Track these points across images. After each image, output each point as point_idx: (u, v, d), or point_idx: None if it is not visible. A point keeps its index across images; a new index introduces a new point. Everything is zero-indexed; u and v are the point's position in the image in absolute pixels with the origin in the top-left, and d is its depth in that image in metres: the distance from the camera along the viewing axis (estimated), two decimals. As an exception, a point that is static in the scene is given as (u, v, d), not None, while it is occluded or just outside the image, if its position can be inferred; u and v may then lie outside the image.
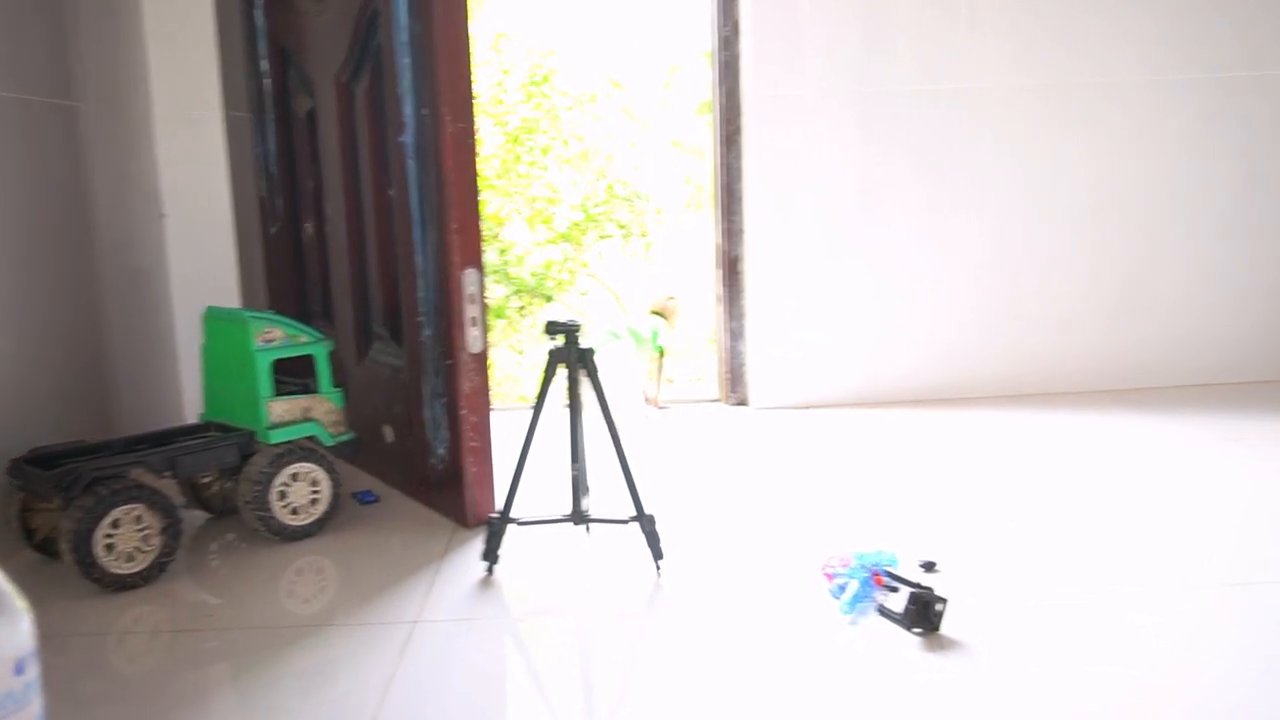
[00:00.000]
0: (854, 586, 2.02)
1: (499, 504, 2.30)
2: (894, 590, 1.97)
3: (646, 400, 3.67)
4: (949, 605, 1.93)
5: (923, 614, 1.91)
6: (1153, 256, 3.63)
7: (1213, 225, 3.63)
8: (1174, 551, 2.26)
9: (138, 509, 2.26)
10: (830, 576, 2.11)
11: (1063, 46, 3.49)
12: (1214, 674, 1.75)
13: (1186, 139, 3.57)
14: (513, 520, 2.27)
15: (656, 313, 3.71)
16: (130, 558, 2.25)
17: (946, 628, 1.92)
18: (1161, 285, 3.66)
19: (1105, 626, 1.93)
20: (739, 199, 3.60)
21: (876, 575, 2.03)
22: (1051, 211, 3.58)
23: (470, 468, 2.53)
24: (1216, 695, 1.68)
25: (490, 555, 2.27)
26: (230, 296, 3.27)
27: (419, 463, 2.70)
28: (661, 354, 3.68)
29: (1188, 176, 3.60)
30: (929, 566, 2.19)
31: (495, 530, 2.26)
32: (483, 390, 2.52)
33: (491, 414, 2.56)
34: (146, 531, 2.27)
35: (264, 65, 3.22)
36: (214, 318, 2.65)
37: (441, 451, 2.59)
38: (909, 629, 1.91)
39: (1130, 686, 1.72)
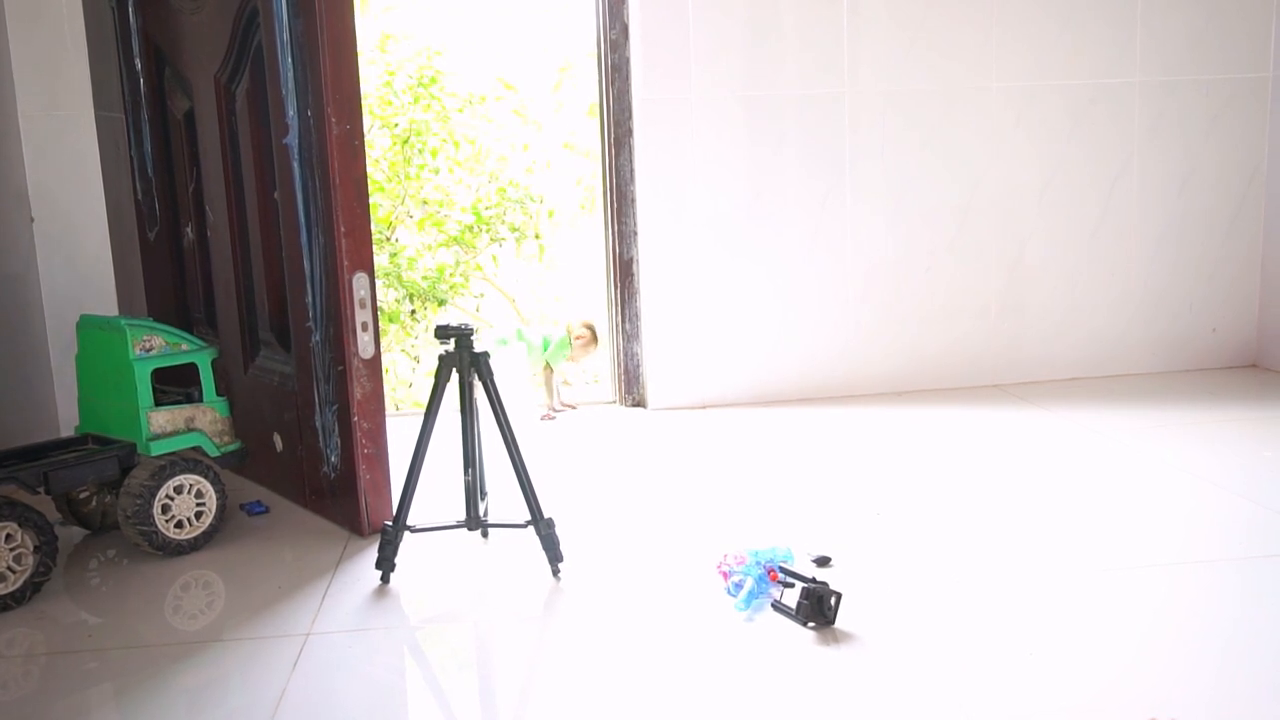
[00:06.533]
0: (749, 584, 2.05)
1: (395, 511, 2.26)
2: (789, 586, 2.01)
3: (540, 407, 3.66)
4: (843, 599, 1.97)
5: (817, 609, 1.94)
6: (1028, 256, 3.77)
7: (1084, 225, 3.78)
8: (1055, 540, 2.35)
9: (8, 527, 2.16)
10: (726, 575, 2.13)
11: (940, 53, 3.60)
12: (1100, 657, 1.82)
13: (1058, 142, 3.71)
14: (408, 528, 2.24)
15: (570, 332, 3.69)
16: (1, 578, 2.15)
17: (841, 621, 1.96)
18: (1037, 283, 3.80)
19: (995, 616, 2.00)
20: (631, 201, 3.61)
21: (771, 571, 2.06)
22: (933, 212, 3.69)
23: (364, 475, 2.49)
24: (1106, 679, 1.76)
25: (385, 564, 2.23)
26: (107, 304, 3.15)
27: (311, 471, 2.64)
28: (548, 366, 3.66)
29: (1058, 178, 3.74)
30: (823, 562, 2.23)
31: (390, 538, 2.23)
32: (376, 396, 2.48)
33: (386, 420, 2.53)
34: (18, 550, 2.17)
35: (138, 64, 3.11)
36: (89, 326, 2.55)
37: (334, 459, 2.54)
38: (804, 624, 1.95)
39: (1020, 673, 1.78)
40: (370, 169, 5.95)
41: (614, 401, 3.81)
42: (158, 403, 2.47)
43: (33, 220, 3.09)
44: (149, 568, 2.39)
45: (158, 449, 2.44)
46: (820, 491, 2.75)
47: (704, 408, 3.67)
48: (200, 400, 2.55)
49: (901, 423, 3.37)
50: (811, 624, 1.94)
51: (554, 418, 3.65)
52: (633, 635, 1.98)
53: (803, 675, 1.80)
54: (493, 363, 2.26)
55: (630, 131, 3.56)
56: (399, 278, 6.27)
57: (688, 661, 1.87)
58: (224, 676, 1.87)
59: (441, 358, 2.24)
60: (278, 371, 2.73)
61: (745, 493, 2.77)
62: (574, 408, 3.74)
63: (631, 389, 3.77)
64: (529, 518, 2.23)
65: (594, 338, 3.72)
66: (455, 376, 2.25)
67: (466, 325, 2.23)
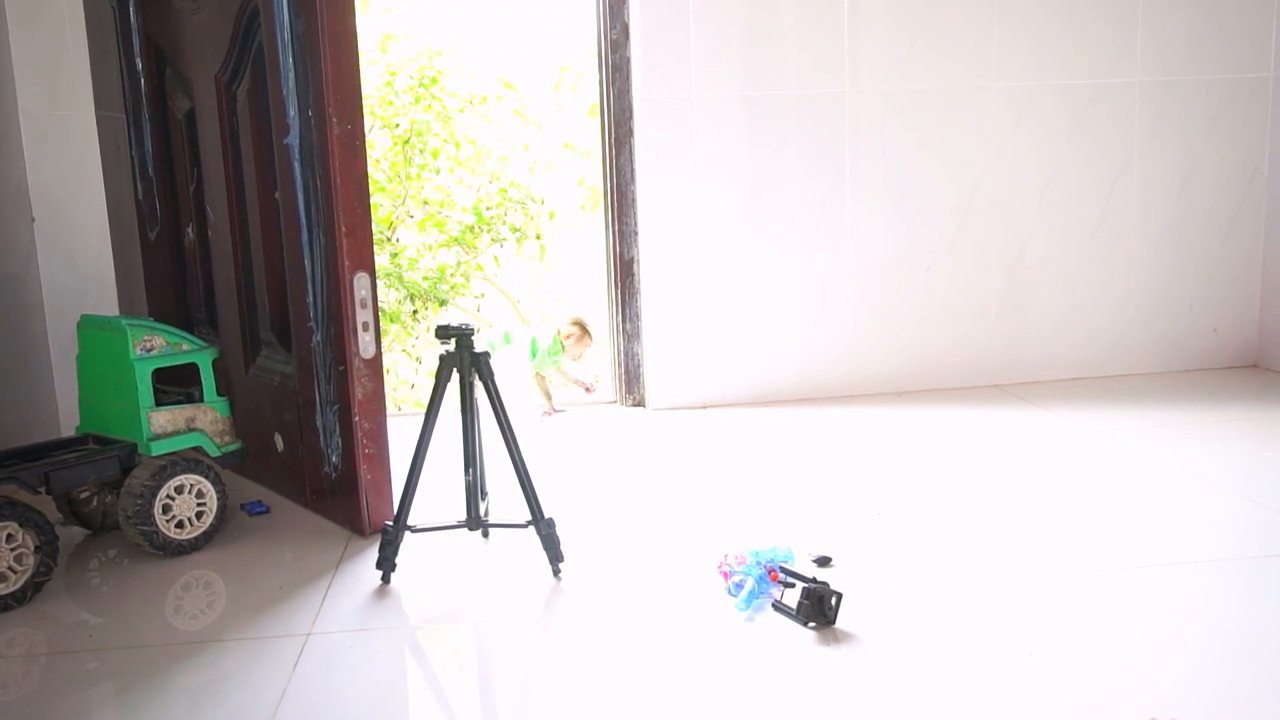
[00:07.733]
0: (750, 584, 2.05)
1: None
2: (790, 586, 2.01)
3: (539, 407, 3.66)
4: (843, 599, 1.97)
5: (817, 608, 1.94)
6: (1028, 256, 3.77)
7: (1084, 225, 3.78)
8: (1055, 540, 2.35)
9: (9, 527, 2.16)
10: (726, 575, 2.13)
11: (940, 53, 3.59)
12: (1100, 657, 1.82)
13: (1058, 142, 3.71)
14: (409, 528, 2.24)
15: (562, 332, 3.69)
16: (2, 578, 2.15)
17: (841, 621, 1.96)
18: (1037, 283, 3.80)
19: (995, 616, 2.00)
20: (632, 201, 3.61)
21: (772, 572, 2.06)
22: (933, 212, 3.69)
23: (365, 475, 2.49)
24: (1107, 679, 1.76)
25: (385, 564, 2.24)
26: (108, 304, 3.15)
27: (312, 471, 2.64)
28: (539, 374, 3.64)
29: (1058, 178, 3.74)
30: (824, 561, 2.23)
31: (390, 538, 2.23)
32: (377, 396, 2.48)
33: (387, 420, 2.53)
34: (19, 550, 2.17)
35: (138, 64, 3.11)
36: (89, 326, 2.55)
37: (335, 459, 2.54)
38: (804, 624, 1.95)
39: (1020, 673, 1.78)
40: (371, 169, 5.94)
41: (614, 401, 3.81)
42: (158, 403, 2.47)
43: (33, 220, 3.09)
44: (150, 568, 2.39)
45: (158, 449, 2.44)
46: (820, 491, 2.75)
47: (704, 408, 3.67)
48: (201, 400, 2.55)
49: (901, 423, 3.37)
50: (812, 624, 1.94)
51: (554, 413, 3.65)
52: (633, 635, 1.98)
53: (803, 675, 1.80)
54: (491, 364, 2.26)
55: (631, 131, 3.57)
56: (400, 278, 6.27)
57: (688, 662, 1.87)
58: (224, 676, 1.87)
59: (442, 358, 2.24)
60: (278, 371, 2.73)
61: (745, 493, 2.77)
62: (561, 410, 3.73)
63: (632, 389, 3.77)
64: (529, 518, 2.23)
65: (584, 331, 3.71)
66: (456, 376, 2.25)
67: (467, 325, 2.24)
